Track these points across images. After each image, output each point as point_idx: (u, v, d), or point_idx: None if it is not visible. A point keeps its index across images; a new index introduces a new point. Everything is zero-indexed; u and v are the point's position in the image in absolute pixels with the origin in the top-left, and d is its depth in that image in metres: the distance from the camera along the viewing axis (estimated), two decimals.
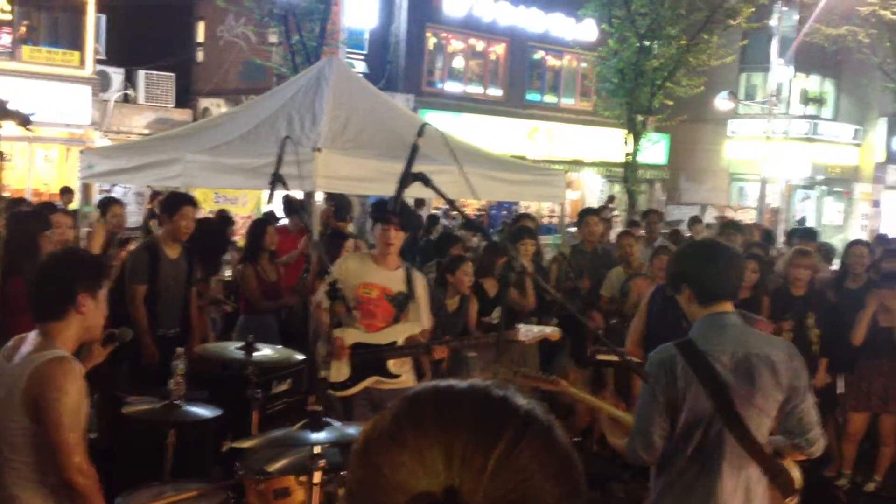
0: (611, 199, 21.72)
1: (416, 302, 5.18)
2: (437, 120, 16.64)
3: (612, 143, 21.53)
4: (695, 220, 13.51)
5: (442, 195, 3.36)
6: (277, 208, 8.61)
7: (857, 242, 8.42)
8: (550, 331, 5.00)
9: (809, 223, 21.60)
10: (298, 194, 8.16)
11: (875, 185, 26.65)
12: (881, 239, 12.53)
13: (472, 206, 17.06)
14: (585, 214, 7.81)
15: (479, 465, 0.87)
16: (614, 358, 5.07)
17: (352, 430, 3.18)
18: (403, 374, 5.14)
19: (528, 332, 4.84)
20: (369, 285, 5.10)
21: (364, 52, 19.89)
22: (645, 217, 10.96)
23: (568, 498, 0.91)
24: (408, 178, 3.17)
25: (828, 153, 26.06)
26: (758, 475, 3.25)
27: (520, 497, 0.88)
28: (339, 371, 5.02)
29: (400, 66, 20.34)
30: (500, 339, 3.63)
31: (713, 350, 3.18)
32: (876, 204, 26.51)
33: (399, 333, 5.12)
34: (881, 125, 26.14)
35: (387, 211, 5.11)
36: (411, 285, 5.18)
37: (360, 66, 18.60)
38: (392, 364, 5.07)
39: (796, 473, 3.45)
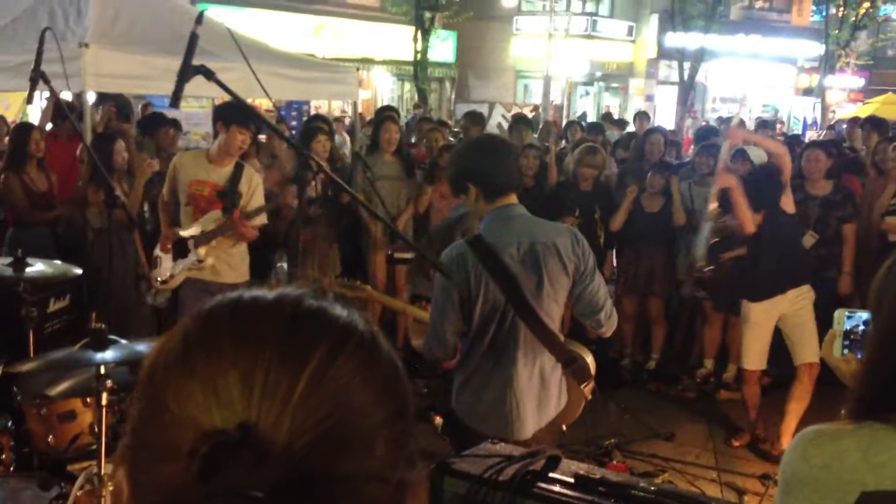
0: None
1: (245, 197, 5.28)
2: (218, 15, 15.74)
3: (401, 40, 21.31)
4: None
5: (229, 92, 3.11)
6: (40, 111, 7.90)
7: (653, 130, 8.83)
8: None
9: (590, 119, 22.46)
10: (68, 96, 7.50)
11: (648, 81, 28.07)
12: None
13: (261, 107, 16.44)
14: (384, 121, 7.51)
15: (284, 391, 0.74)
16: (410, 255, 5.07)
17: (141, 347, 2.97)
18: (209, 259, 5.25)
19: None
20: (201, 182, 5.20)
21: None
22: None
23: (392, 421, 0.79)
24: (188, 70, 2.90)
25: (605, 50, 27.08)
26: (552, 362, 3.36)
27: (335, 424, 0.74)
28: (166, 267, 5.21)
29: None
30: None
31: (501, 243, 3.23)
32: (649, 98, 27.98)
33: (208, 222, 5.19)
34: (653, 22, 27.39)
35: (243, 114, 5.08)
36: (239, 180, 5.24)
37: None
38: (202, 251, 5.19)
39: (590, 359, 3.58)
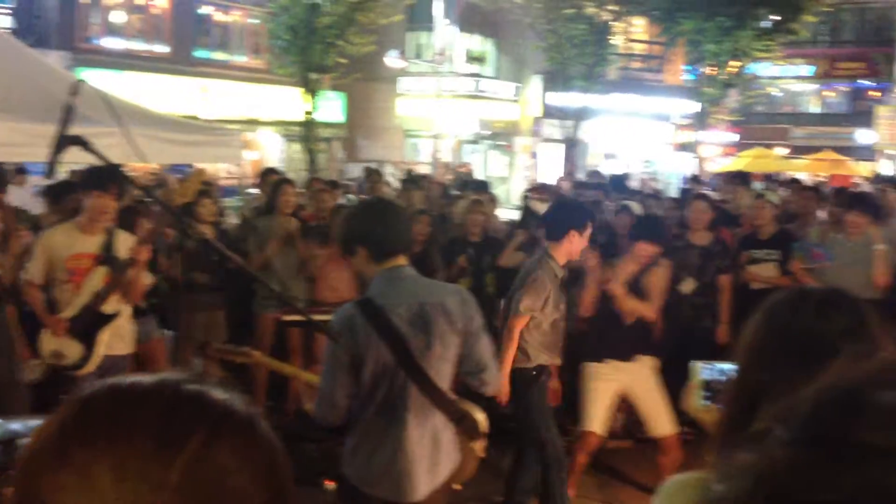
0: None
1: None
2: (98, 79, 15.45)
3: (288, 101, 21.28)
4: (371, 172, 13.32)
5: (104, 160, 3.07)
6: None
7: (538, 187, 9.17)
8: None
9: (477, 176, 22.83)
10: None
11: (533, 139, 28.80)
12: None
13: (145, 171, 16.13)
14: (281, 183, 7.42)
15: (159, 479, 0.74)
16: (301, 318, 5.04)
17: (15, 426, 2.85)
18: (124, 312, 5.16)
19: None
20: (78, 256, 5.04)
21: (10, 5, 17.98)
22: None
23: (272, 503, 0.80)
24: (63, 141, 2.86)
25: (491, 109, 27.68)
26: (444, 422, 3.38)
27: None
28: (73, 350, 4.96)
29: (51, 20, 18.62)
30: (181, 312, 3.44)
31: (390, 304, 3.25)
32: (534, 156, 28.68)
33: (95, 281, 5.03)
34: (536, 82, 28.19)
35: (104, 178, 4.96)
36: (112, 245, 5.10)
37: (6, 21, 16.80)
38: (107, 308, 5.07)
39: (481, 417, 3.63)
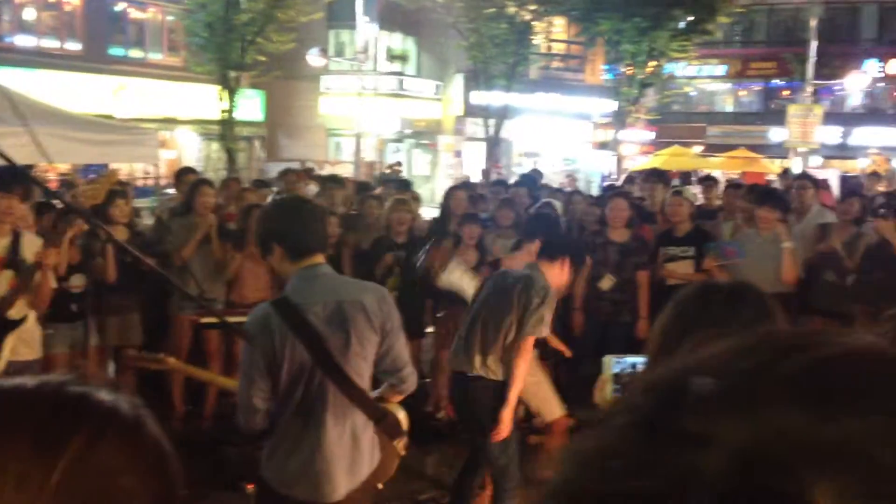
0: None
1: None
2: (9, 77, 14.98)
3: (206, 100, 20.95)
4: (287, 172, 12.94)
5: (8, 160, 2.98)
6: None
7: (457, 187, 9.19)
8: None
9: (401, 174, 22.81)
10: None
11: (456, 137, 28.90)
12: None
13: (56, 171, 15.67)
14: (198, 184, 7.20)
15: (38, 482, 0.72)
16: (216, 320, 4.97)
17: None
18: (30, 317, 4.99)
19: None
20: None
21: None
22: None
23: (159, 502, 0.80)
24: None
25: (414, 108, 27.72)
26: (363, 421, 3.35)
27: None
28: None
29: None
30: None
31: (306, 303, 3.21)
32: (458, 154, 28.79)
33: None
34: (458, 81, 28.30)
35: (7, 179, 4.75)
36: (19, 248, 4.93)
37: None
38: (12, 313, 4.88)
39: (402, 415, 3.62)
